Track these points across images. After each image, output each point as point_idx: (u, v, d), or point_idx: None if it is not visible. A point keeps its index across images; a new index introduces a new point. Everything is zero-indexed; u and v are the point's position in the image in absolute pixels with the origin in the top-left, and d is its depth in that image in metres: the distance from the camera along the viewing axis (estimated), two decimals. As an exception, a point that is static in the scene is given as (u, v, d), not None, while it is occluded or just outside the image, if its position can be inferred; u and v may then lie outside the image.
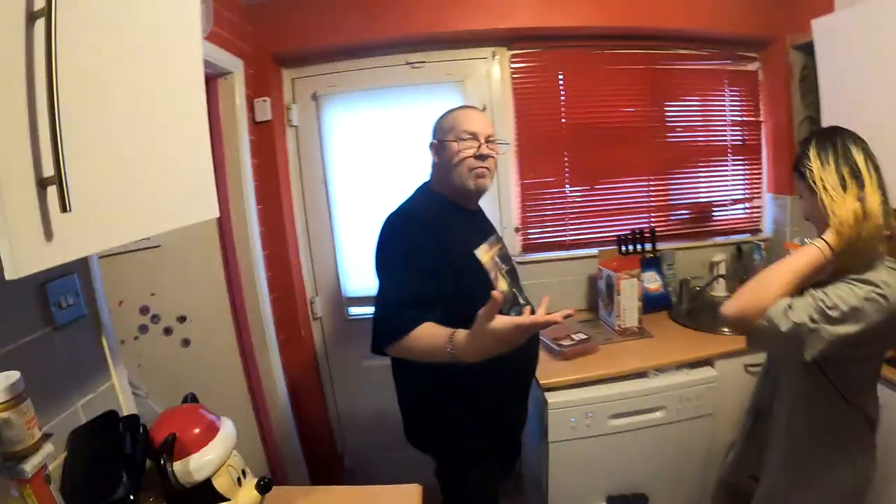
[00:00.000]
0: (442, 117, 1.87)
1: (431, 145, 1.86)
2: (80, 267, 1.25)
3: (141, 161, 0.96)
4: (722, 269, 2.94)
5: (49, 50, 0.70)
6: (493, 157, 1.80)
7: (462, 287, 1.68)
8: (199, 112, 1.14)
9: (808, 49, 2.60)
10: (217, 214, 1.19)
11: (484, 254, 1.80)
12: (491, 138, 1.80)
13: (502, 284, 1.81)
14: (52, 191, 0.72)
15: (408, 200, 1.87)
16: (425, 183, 1.92)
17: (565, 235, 3.04)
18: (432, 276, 1.62)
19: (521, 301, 1.87)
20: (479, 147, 1.75)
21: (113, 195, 0.88)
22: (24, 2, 0.70)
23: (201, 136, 1.15)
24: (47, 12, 0.69)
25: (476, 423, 1.81)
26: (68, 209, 0.71)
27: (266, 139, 2.67)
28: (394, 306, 1.60)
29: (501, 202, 2.93)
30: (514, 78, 2.89)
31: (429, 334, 1.52)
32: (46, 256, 0.73)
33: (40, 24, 0.70)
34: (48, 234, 0.73)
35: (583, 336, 2.44)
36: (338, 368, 3.05)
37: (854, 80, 2.24)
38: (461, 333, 1.43)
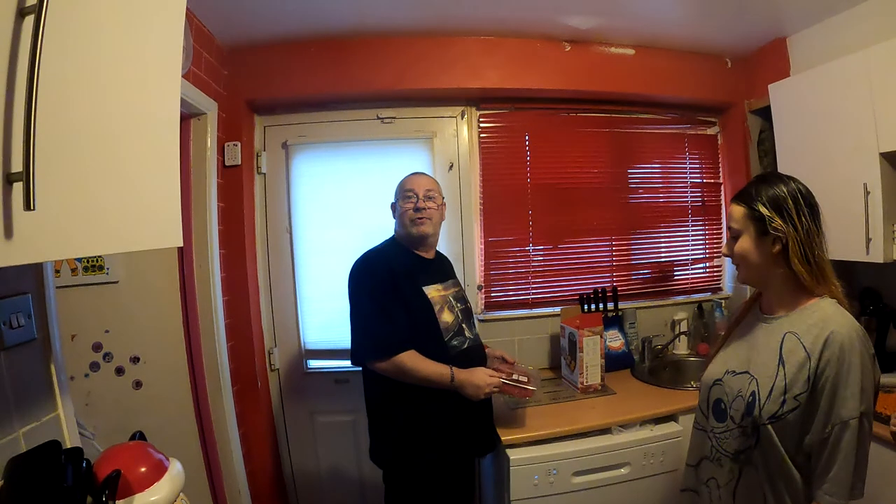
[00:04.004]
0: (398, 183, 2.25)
1: (392, 205, 2.26)
2: (35, 288, 1.20)
3: (111, 177, 0.94)
4: (684, 327, 2.99)
5: (35, 46, 0.69)
6: (429, 208, 2.15)
7: (412, 315, 2.04)
8: (172, 138, 1.13)
9: (765, 113, 2.75)
10: (180, 243, 1.16)
11: (433, 291, 2.13)
12: (430, 193, 2.17)
13: (447, 316, 2.12)
14: (17, 188, 0.70)
15: (373, 248, 2.21)
16: (392, 236, 2.26)
17: (528, 294, 3.06)
18: (391, 305, 2.01)
19: (470, 335, 2.17)
20: (416, 202, 2.13)
21: (79, 205, 0.85)
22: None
23: (171, 163, 1.13)
24: (38, 9, 0.70)
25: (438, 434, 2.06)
26: (33, 207, 0.69)
27: (234, 184, 2.66)
28: (380, 327, 1.99)
29: (465, 260, 2.95)
30: (481, 137, 2.96)
31: (424, 361, 1.97)
32: (3, 254, 0.70)
33: (29, 21, 0.70)
34: (8, 232, 0.71)
35: (524, 379, 2.18)
36: (294, 423, 2.96)
37: (809, 141, 2.35)
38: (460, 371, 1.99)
